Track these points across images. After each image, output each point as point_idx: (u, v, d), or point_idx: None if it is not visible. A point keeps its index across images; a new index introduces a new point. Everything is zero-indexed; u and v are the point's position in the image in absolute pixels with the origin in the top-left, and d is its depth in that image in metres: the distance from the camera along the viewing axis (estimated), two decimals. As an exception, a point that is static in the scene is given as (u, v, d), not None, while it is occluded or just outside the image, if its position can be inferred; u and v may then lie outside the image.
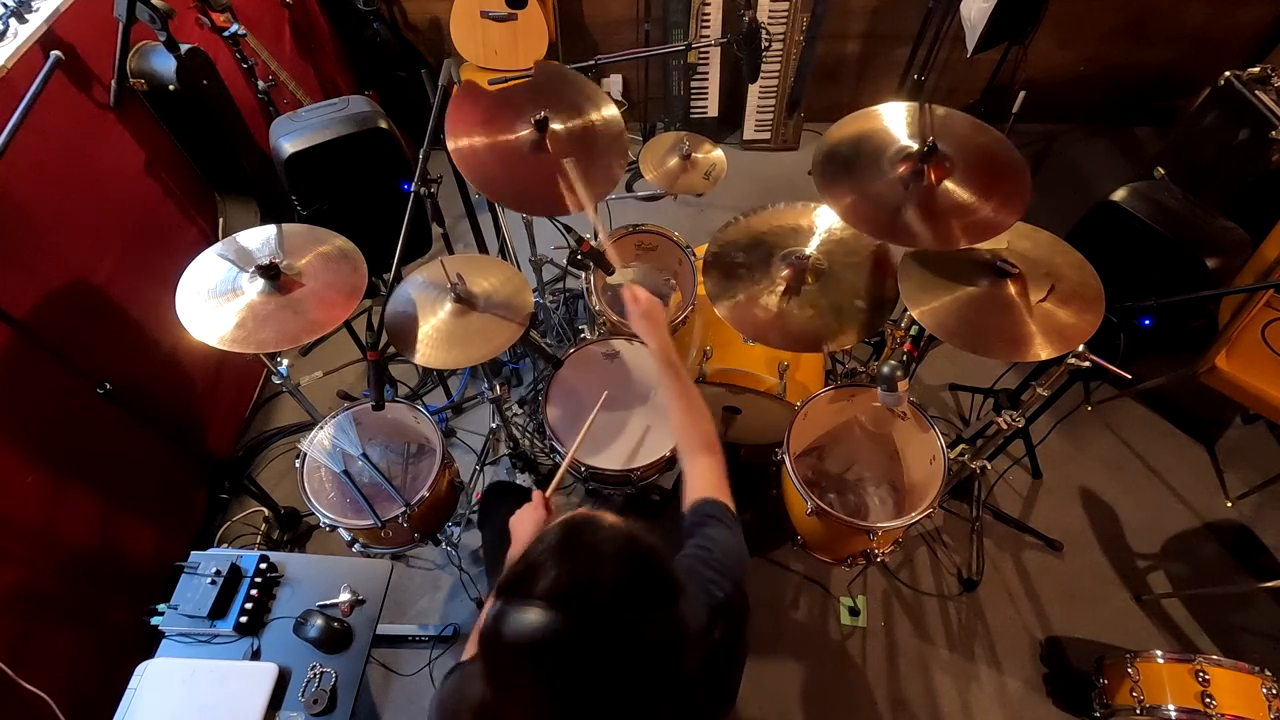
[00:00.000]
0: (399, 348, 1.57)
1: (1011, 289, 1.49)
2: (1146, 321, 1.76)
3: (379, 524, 1.59)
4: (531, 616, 0.67)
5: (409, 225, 1.53)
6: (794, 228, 1.77)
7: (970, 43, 2.71)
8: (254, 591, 1.53)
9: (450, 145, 1.60)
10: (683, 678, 0.74)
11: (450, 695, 0.95)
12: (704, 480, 1.13)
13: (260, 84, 2.34)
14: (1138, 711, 1.69)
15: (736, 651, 0.98)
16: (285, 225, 1.64)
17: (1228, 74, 2.44)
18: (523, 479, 2.38)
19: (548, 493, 1.25)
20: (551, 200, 1.58)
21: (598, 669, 0.68)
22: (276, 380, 1.71)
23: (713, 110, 3.47)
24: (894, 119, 1.59)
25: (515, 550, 1.19)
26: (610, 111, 1.73)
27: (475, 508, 2.31)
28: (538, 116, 1.64)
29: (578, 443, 1.43)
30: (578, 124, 1.72)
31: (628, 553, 0.73)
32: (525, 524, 1.22)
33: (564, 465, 1.39)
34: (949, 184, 1.48)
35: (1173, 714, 1.64)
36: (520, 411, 2.45)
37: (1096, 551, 2.28)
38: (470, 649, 1.07)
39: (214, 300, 1.49)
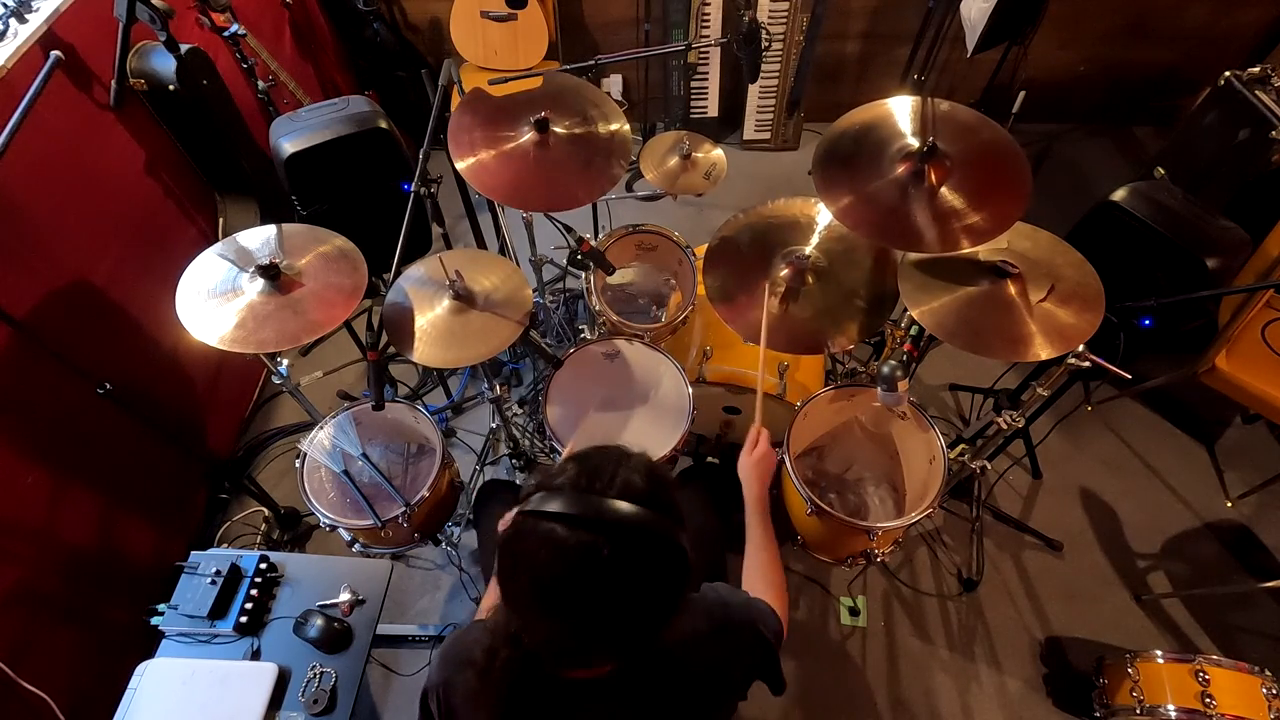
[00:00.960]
0: (396, 345, 1.57)
1: (1011, 289, 1.48)
2: (1146, 321, 1.76)
3: (379, 524, 1.59)
4: (550, 499, 0.71)
5: (409, 225, 1.53)
6: (794, 223, 1.76)
7: (970, 43, 2.71)
8: (254, 591, 1.53)
9: (458, 165, 1.62)
10: (670, 636, 0.76)
11: (454, 641, 0.96)
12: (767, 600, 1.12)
13: (260, 84, 2.34)
14: (1138, 711, 1.69)
15: (729, 681, 0.98)
16: (285, 225, 1.64)
17: (1228, 74, 2.44)
18: (522, 479, 2.38)
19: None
20: (557, 195, 1.62)
21: (606, 558, 0.69)
22: (276, 380, 1.71)
23: (713, 110, 3.47)
24: (899, 111, 1.58)
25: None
26: (616, 125, 1.76)
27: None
28: (537, 117, 1.65)
29: (571, 446, 1.42)
30: (579, 128, 1.73)
31: (643, 466, 0.77)
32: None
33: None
34: (947, 189, 1.47)
35: (1173, 714, 1.64)
36: (520, 411, 2.45)
37: (1096, 551, 2.28)
38: (484, 604, 1.09)
39: (214, 300, 1.48)
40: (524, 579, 0.73)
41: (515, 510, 0.75)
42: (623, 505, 0.71)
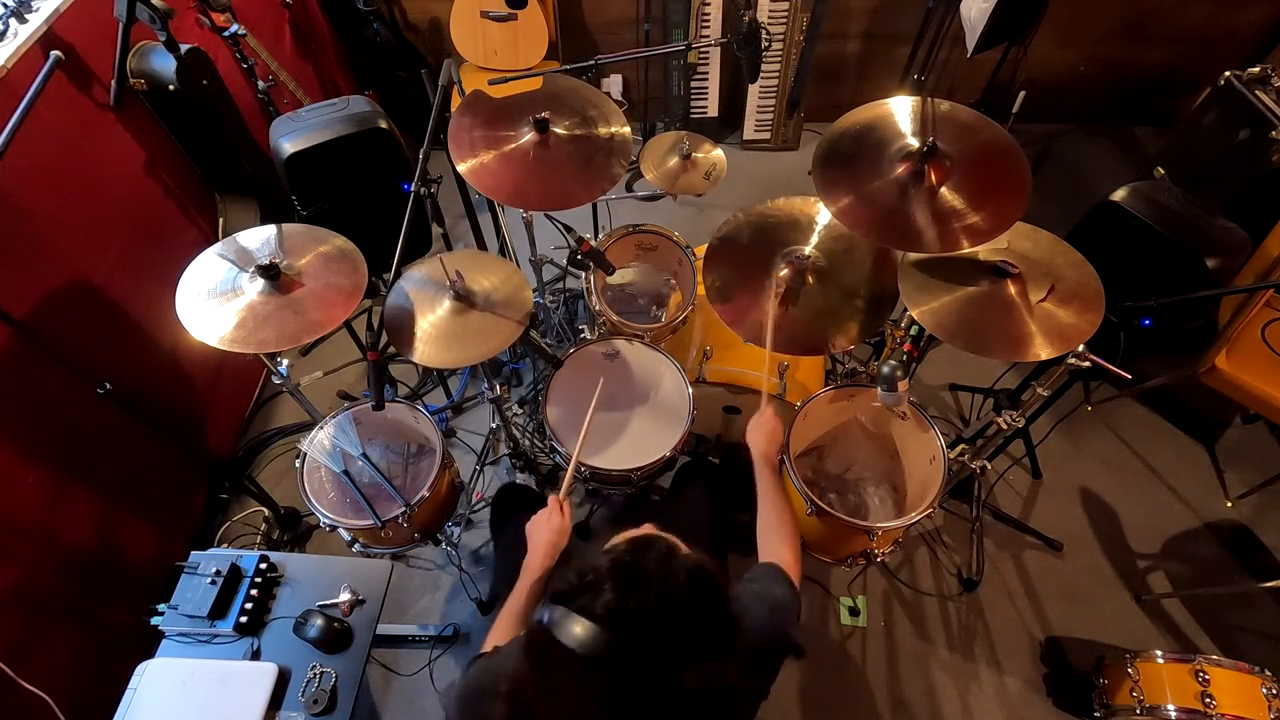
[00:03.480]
0: (396, 345, 1.57)
1: (1011, 289, 1.49)
2: (1146, 321, 1.76)
3: (379, 524, 1.59)
4: (586, 632, 0.65)
5: (409, 225, 1.53)
6: (794, 222, 1.76)
7: (970, 43, 2.71)
8: (254, 591, 1.53)
9: (459, 166, 1.63)
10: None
11: (476, 681, 0.94)
12: (780, 562, 1.16)
13: (260, 84, 2.34)
14: (1138, 711, 1.69)
15: (755, 691, 0.97)
16: (285, 225, 1.64)
17: (1228, 74, 2.44)
18: (523, 479, 2.38)
19: (561, 496, 1.25)
20: (557, 195, 1.64)
21: (641, 701, 0.66)
22: (276, 380, 1.71)
23: (713, 110, 3.47)
24: (899, 111, 1.58)
25: (533, 559, 1.19)
26: (615, 126, 1.77)
27: (475, 507, 2.32)
28: (537, 117, 1.65)
29: (580, 444, 1.42)
30: (579, 129, 1.73)
31: (696, 587, 0.70)
32: (542, 530, 1.22)
33: (570, 468, 1.38)
34: (947, 189, 1.47)
35: (1173, 714, 1.64)
36: (520, 411, 2.45)
37: (1096, 551, 2.28)
38: (491, 642, 1.08)
39: (214, 300, 1.48)
40: (559, 709, 0.68)
41: (541, 621, 0.69)
42: (677, 667, 0.66)
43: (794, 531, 1.25)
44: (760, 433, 1.41)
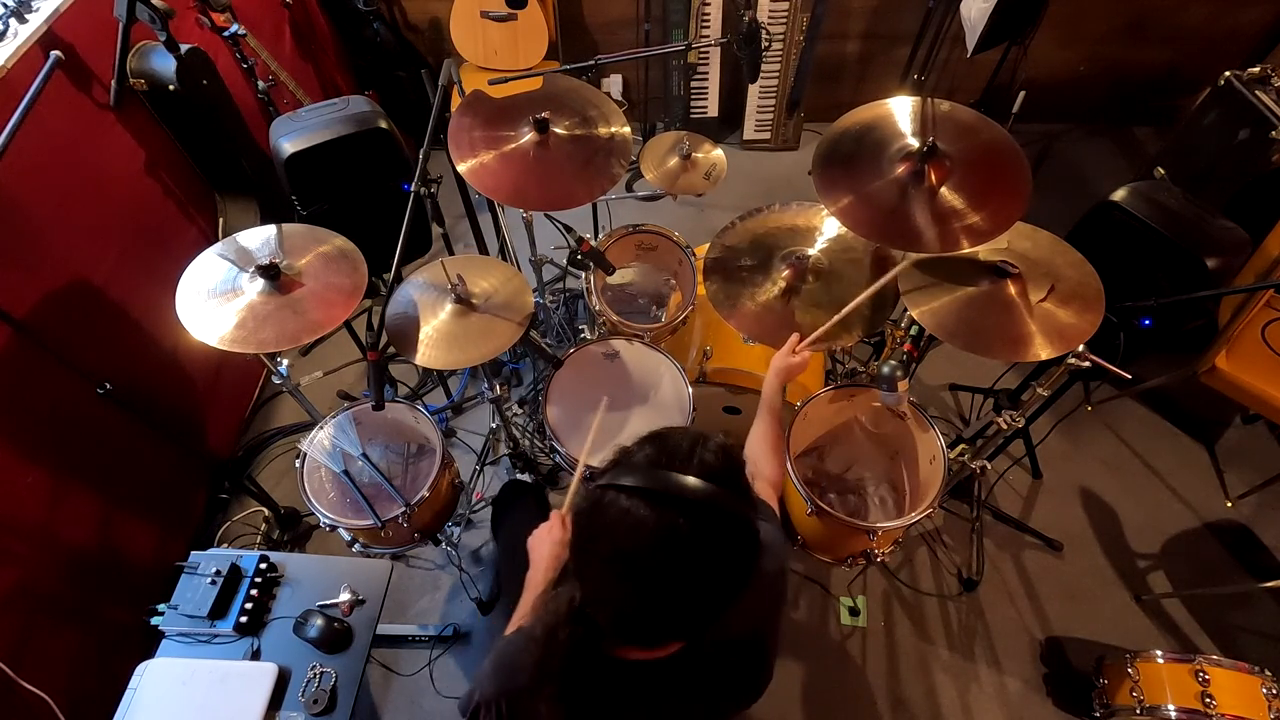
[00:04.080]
0: (400, 349, 1.57)
1: (1011, 289, 1.49)
2: (1146, 321, 1.76)
3: (379, 524, 1.59)
4: (630, 475, 0.73)
5: (409, 225, 1.53)
6: (794, 227, 1.77)
7: (970, 43, 2.71)
8: (254, 591, 1.53)
9: (459, 166, 1.63)
10: (749, 597, 0.77)
11: (500, 653, 0.95)
12: (766, 480, 1.23)
13: (260, 84, 2.34)
14: (1138, 711, 1.69)
15: (766, 634, 1.00)
16: (285, 225, 1.65)
17: (1228, 74, 2.44)
18: (523, 478, 2.38)
19: (564, 510, 1.23)
20: (557, 195, 1.65)
21: (678, 531, 0.71)
22: (276, 380, 1.71)
23: (713, 110, 3.47)
24: (899, 112, 1.58)
25: (536, 574, 1.18)
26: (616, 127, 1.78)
27: (475, 507, 2.32)
28: (537, 116, 1.65)
29: (584, 456, 1.38)
30: (579, 129, 1.73)
31: (718, 446, 0.78)
32: (544, 544, 1.20)
33: (576, 480, 1.36)
34: (947, 189, 1.47)
35: (1173, 714, 1.64)
36: (520, 411, 2.45)
37: (1096, 551, 2.28)
38: (512, 626, 1.09)
39: (214, 300, 1.49)
40: (604, 549, 0.74)
41: (594, 485, 0.77)
42: (700, 484, 0.72)
43: (780, 453, 1.33)
44: (780, 359, 1.43)
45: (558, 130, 1.70)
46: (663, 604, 0.74)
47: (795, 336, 1.46)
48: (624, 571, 0.73)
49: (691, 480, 0.72)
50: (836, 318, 1.50)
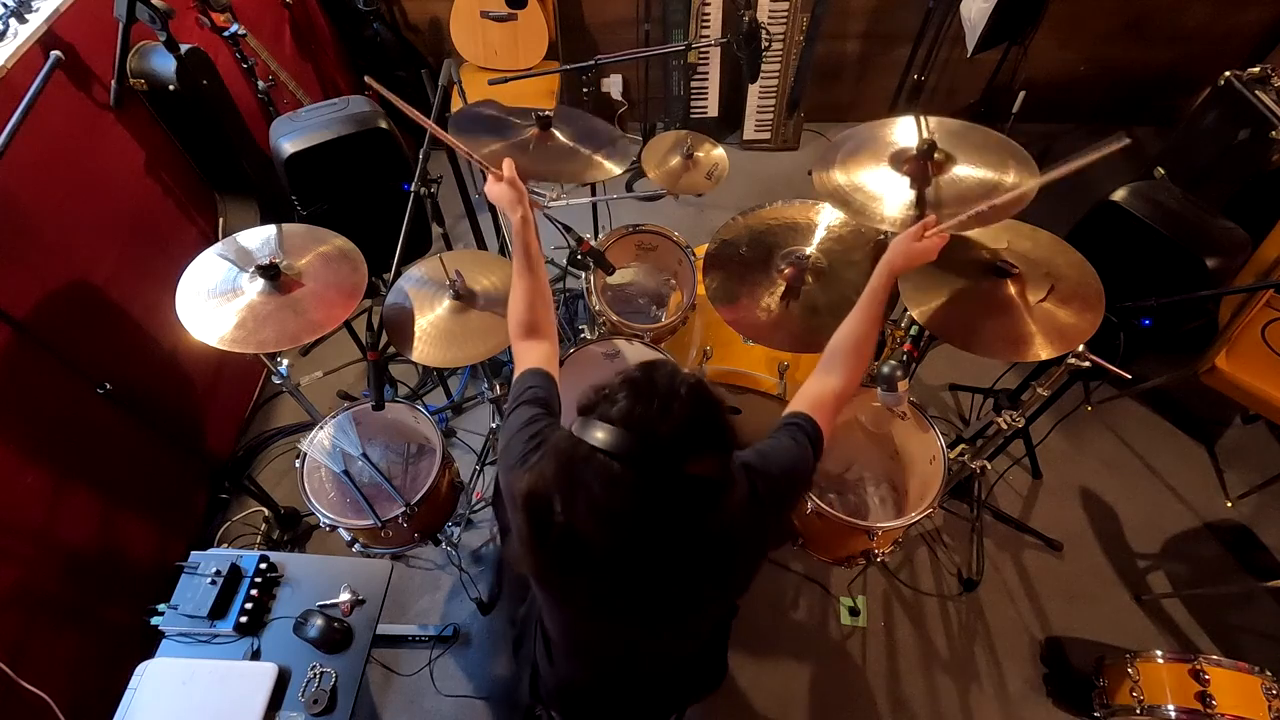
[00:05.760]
0: (396, 344, 1.57)
1: (1011, 289, 1.49)
2: (1146, 321, 1.76)
3: (379, 524, 1.59)
4: (607, 433, 0.77)
5: (409, 225, 1.53)
6: (794, 226, 1.77)
7: (970, 43, 2.71)
8: (254, 591, 1.53)
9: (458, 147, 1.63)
10: (711, 530, 0.84)
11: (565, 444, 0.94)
12: (815, 399, 1.13)
13: (260, 84, 2.34)
14: (1138, 711, 1.69)
15: (756, 540, 1.03)
16: (285, 225, 1.65)
17: (1228, 74, 2.43)
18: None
19: (506, 172, 1.28)
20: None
21: (658, 498, 0.78)
22: (276, 380, 1.71)
23: (713, 110, 3.47)
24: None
25: (511, 217, 1.27)
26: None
27: (475, 507, 2.32)
28: (540, 114, 1.66)
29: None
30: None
31: (695, 395, 0.81)
32: (496, 195, 1.29)
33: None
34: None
35: (1173, 714, 1.64)
36: (520, 411, 2.44)
37: (1096, 551, 2.28)
38: (512, 319, 1.22)
39: (214, 300, 1.49)
40: (581, 506, 0.81)
41: (571, 428, 0.82)
42: (680, 451, 0.77)
43: (863, 359, 1.17)
44: (907, 245, 1.23)
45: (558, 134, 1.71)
46: (638, 537, 0.83)
47: (931, 218, 1.27)
48: (606, 524, 0.82)
49: (663, 440, 0.77)
50: (998, 200, 1.27)
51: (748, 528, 0.95)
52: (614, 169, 1.77)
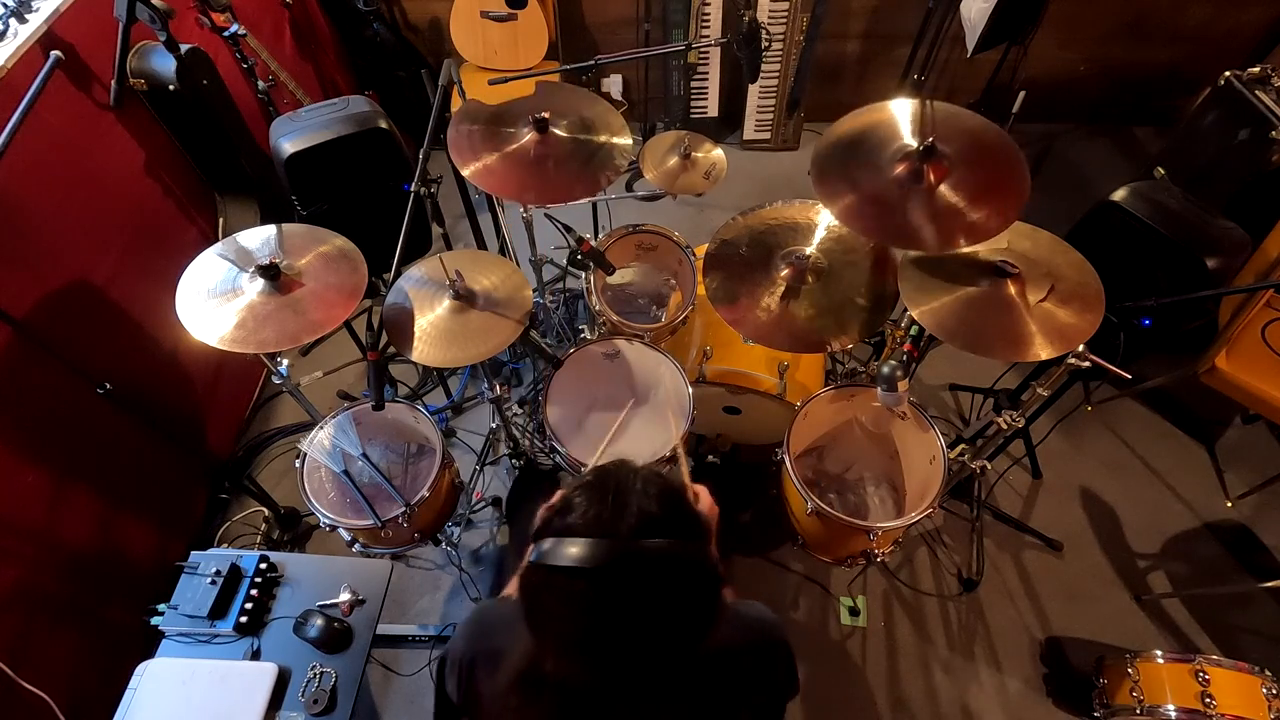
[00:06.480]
0: (396, 344, 1.57)
1: (1011, 289, 1.48)
2: (1146, 321, 1.76)
3: (379, 524, 1.59)
4: (565, 549, 0.69)
5: (409, 225, 1.53)
6: (794, 226, 1.76)
7: (970, 43, 2.71)
8: (254, 591, 1.53)
9: (464, 172, 1.63)
10: (709, 646, 0.74)
11: (482, 615, 0.95)
12: None
13: (260, 84, 2.34)
14: (1138, 711, 1.69)
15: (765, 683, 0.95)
16: (285, 225, 1.64)
17: (1228, 74, 2.43)
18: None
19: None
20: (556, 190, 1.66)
21: (631, 601, 0.68)
22: (276, 380, 1.71)
23: (713, 110, 3.47)
24: (898, 113, 1.58)
25: None
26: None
27: (475, 507, 2.32)
28: (537, 116, 1.65)
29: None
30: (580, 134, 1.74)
31: (654, 486, 0.74)
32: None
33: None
34: (945, 187, 1.47)
35: (1173, 714, 1.64)
36: (520, 411, 2.45)
37: (1096, 551, 2.28)
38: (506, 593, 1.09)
39: (214, 300, 1.48)
40: (551, 636, 0.73)
41: (527, 560, 0.73)
42: (645, 544, 0.69)
43: None
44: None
45: (558, 133, 1.70)
46: (625, 664, 0.73)
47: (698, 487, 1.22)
48: (582, 644, 0.72)
49: (634, 545, 0.69)
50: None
51: (753, 666, 0.89)
52: (625, 140, 1.77)
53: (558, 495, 0.78)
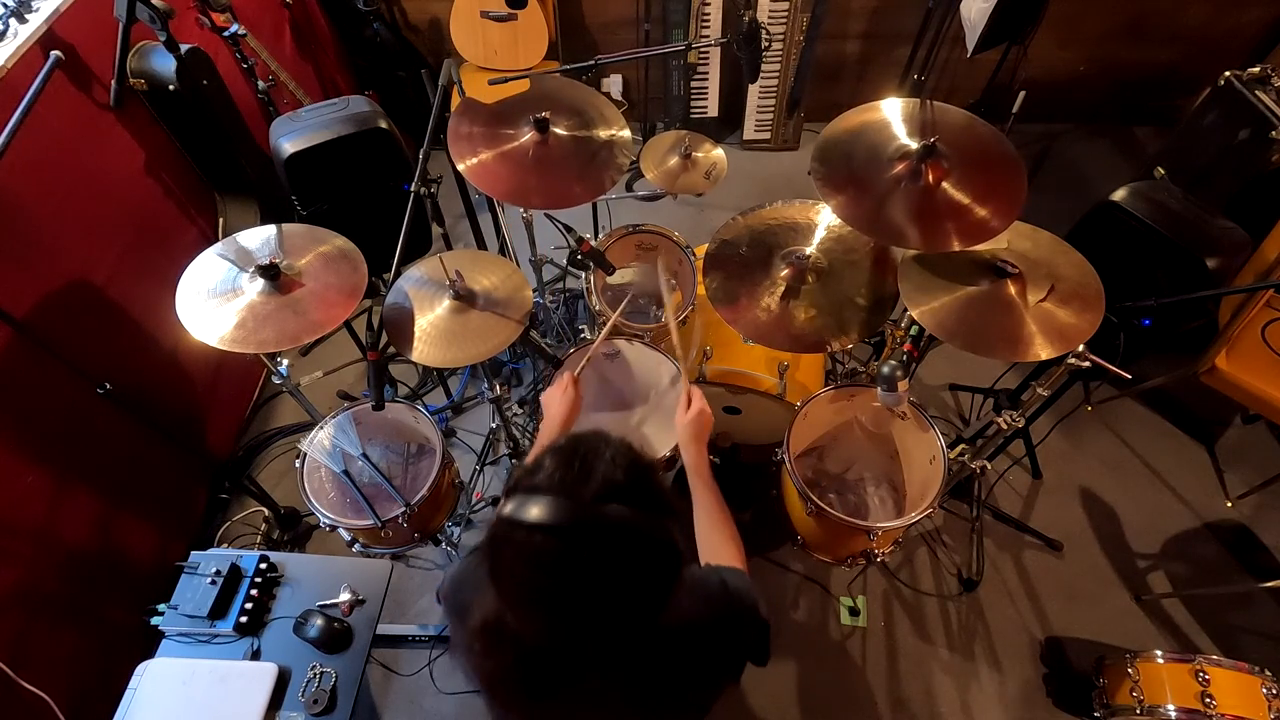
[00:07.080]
0: (396, 344, 1.57)
1: (1011, 289, 1.49)
2: (1146, 321, 1.76)
3: (379, 524, 1.59)
4: (528, 506, 0.69)
5: (409, 225, 1.53)
6: (794, 226, 1.77)
7: (970, 43, 2.70)
8: (254, 591, 1.53)
9: (460, 166, 1.63)
10: (668, 619, 0.76)
11: (461, 574, 0.96)
12: (732, 558, 1.10)
13: (260, 84, 2.34)
14: (1138, 711, 1.69)
15: (720, 663, 0.95)
16: (285, 225, 1.65)
17: (1228, 74, 2.43)
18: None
19: (576, 373, 1.30)
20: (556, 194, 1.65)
21: (587, 564, 0.69)
22: (276, 380, 1.71)
23: (713, 110, 3.47)
24: (894, 114, 1.59)
25: (551, 426, 1.26)
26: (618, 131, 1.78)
27: (475, 507, 2.32)
28: (538, 116, 1.65)
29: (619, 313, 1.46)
30: (580, 131, 1.73)
31: (625, 457, 0.75)
32: (556, 403, 1.28)
33: (596, 346, 1.41)
34: (946, 185, 1.48)
35: (1173, 714, 1.64)
36: (520, 411, 2.45)
37: (1096, 551, 2.28)
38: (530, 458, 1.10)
39: (214, 300, 1.49)
40: (509, 589, 0.74)
41: (495, 515, 0.74)
42: (605, 509, 0.70)
43: (737, 538, 1.14)
44: (687, 426, 1.26)
45: (559, 132, 1.70)
46: (581, 628, 0.75)
47: (693, 388, 1.32)
48: (537, 604, 0.73)
49: (595, 508, 0.70)
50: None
51: (717, 641, 0.91)
52: (625, 133, 1.77)
53: (531, 455, 0.79)
